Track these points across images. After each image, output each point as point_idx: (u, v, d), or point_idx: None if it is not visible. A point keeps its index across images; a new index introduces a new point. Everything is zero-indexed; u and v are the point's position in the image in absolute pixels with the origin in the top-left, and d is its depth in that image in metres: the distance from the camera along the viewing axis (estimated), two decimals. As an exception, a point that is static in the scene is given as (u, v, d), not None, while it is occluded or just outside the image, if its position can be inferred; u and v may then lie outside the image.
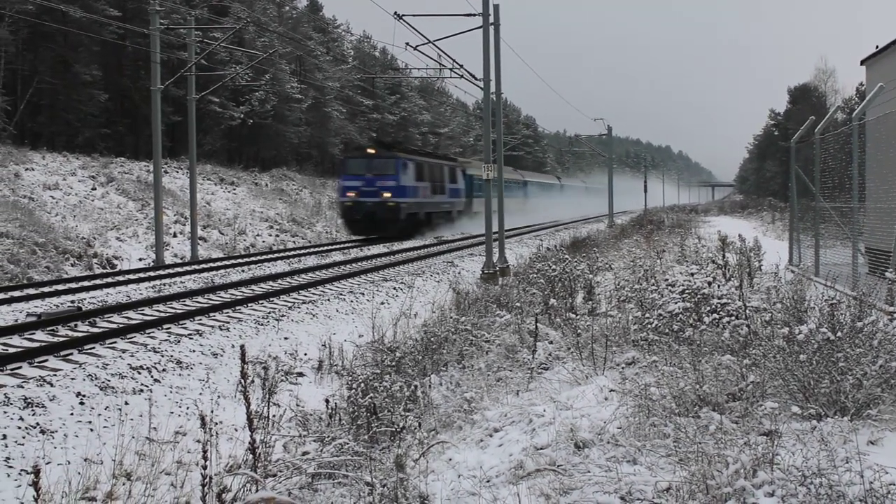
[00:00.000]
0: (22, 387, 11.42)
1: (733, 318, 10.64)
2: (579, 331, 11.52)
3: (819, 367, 7.57)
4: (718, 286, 11.92)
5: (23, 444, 9.52)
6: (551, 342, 12.07)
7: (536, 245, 33.52)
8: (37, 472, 4.83)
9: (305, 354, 14.99)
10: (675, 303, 11.45)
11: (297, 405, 11.42)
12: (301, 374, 13.71)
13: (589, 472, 6.57)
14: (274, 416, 9.69)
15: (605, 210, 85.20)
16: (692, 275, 12.60)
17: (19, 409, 10.51)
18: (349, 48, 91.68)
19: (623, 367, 9.98)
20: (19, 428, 9.95)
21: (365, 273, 27.81)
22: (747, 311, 10.75)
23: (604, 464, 6.70)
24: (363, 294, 22.14)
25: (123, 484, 8.49)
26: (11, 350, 14.03)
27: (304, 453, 8.52)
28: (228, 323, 17.17)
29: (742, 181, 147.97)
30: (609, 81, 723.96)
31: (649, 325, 11.31)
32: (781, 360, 8.10)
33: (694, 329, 10.71)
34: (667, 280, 13.45)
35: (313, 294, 22.30)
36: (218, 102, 58.00)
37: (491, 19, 26.77)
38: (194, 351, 14.42)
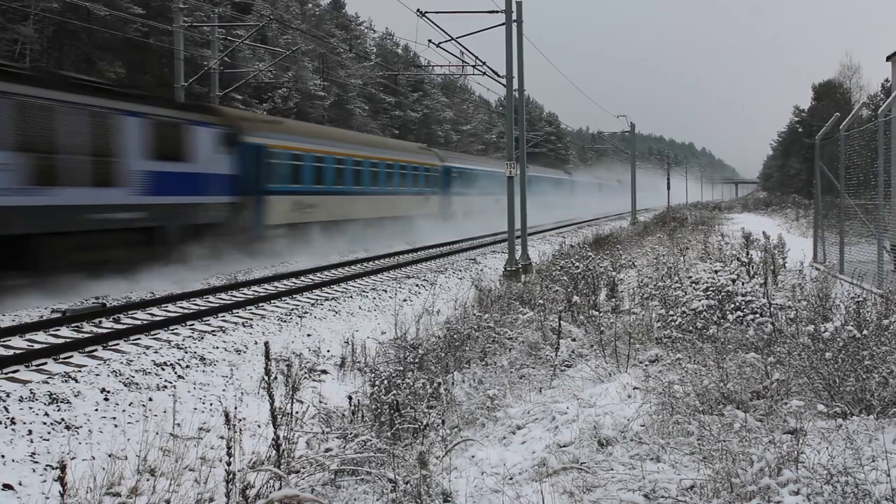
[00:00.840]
0: (47, 382, 11.49)
1: (758, 315, 10.61)
2: (602, 328, 11.50)
3: (844, 364, 7.53)
4: (742, 283, 11.88)
5: (48, 440, 9.58)
6: (574, 339, 12.06)
7: (559, 242, 33.46)
8: (63, 467, 4.87)
9: (328, 351, 15.01)
10: (699, 300, 11.42)
11: (321, 402, 11.43)
12: (324, 371, 13.72)
13: (612, 469, 6.56)
14: (297, 412, 9.70)
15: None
16: (716, 272, 12.55)
17: (45, 404, 10.57)
18: (372, 45, 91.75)
19: (646, 365, 9.96)
20: (45, 423, 10.00)
21: (387, 270, 27.85)
22: (772, 309, 10.70)
23: (627, 461, 6.69)
24: (386, 291, 22.15)
25: (148, 479, 8.52)
26: (37, 346, 14.13)
27: (327, 450, 8.53)
28: (251, 319, 17.22)
29: (766, 178, 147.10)
30: (633, 78, 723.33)
31: (673, 323, 11.29)
32: (806, 357, 8.06)
33: (718, 326, 10.67)
34: (690, 277, 13.41)
35: (336, 291, 22.34)
36: (241, 100, 58.16)
37: (514, 16, 26.71)
38: (218, 347, 14.46)
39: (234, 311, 18.41)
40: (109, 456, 9.21)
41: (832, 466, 5.65)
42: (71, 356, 13.54)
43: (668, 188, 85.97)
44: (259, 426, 10.43)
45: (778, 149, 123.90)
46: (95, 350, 14.03)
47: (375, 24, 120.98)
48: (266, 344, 6.73)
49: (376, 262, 30.89)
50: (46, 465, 8.91)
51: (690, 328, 10.95)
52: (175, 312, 18.05)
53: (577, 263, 16.24)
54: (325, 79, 71.06)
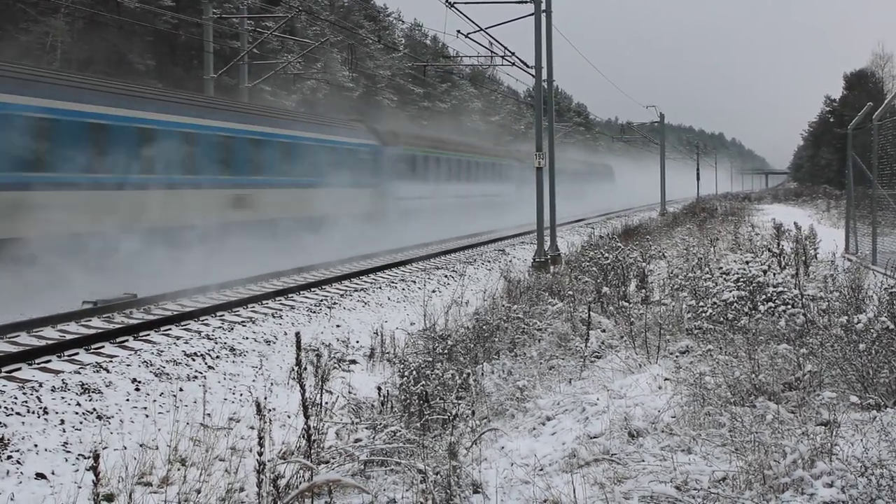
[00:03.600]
0: (79, 373, 11.57)
1: (789, 306, 10.53)
2: (632, 319, 11.45)
3: (878, 356, 7.47)
4: (774, 274, 11.79)
5: (80, 430, 9.64)
6: (604, 330, 12.02)
7: (588, 233, 33.35)
8: (96, 457, 4.88)
9: (357, 342, 15.03)
10: (730, 291, 11.34)
11: (350, 392, 11.46)
12: (353, 362, 13.74)
13: (643, 461, 6.53)
14: (326, 403, 9.73)
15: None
16: (747, 263, 12.46)
17: (76, 394, 10.64)
18: (400, 36, 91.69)
19: (677, 356, 9.91)
20: (76, 413, 10.07)
21: (416, 261, 27.86)
22: (804, 300, 10.62)
23: (658, 453, 6.65)
24: (414, 282, 22.16)
25: (178, 469, 8.57)
26: (69, 336, 14.22)
27: (357, 440, 8.55)
28: (281, 310, 17.27)
29: (796, 168, 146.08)
30: (663, 68, 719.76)
31: (703, 314, 11.22)
32: (839, 349, 8.00)
33: (749, 317, 10.60)
34: (721, 268, 13.33)
35: (365, 282, 22.38)
36: (270, 91, 58.30)
37: (543, 6, 26.61)
38: (247, 338, 14.51)
39: (264, 301, 18.49)
40: (141, 446, 9.26)
41: (866, 458, 5.60)
42: (102, 346, 13.64)
43: (698, 178, 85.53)
44: (289, 416, 10.45)
45: (809, 139, 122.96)
46: (126, 340, 14.13)
47: (404, 14, 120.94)
48: (297, 334, 6.73)
49: (405, 252, 30.85)
50: (79, 455, 8.97)
51: (721, 319, 10.88)
52: (205, 303, 18.13)
53: (607, 254, 16.18)
54: (354, 70, 71.13)
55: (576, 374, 10.03)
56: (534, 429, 8.14)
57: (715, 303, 11.30)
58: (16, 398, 10.15)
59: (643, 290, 14.92)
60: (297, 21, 56.75)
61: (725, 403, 7.48)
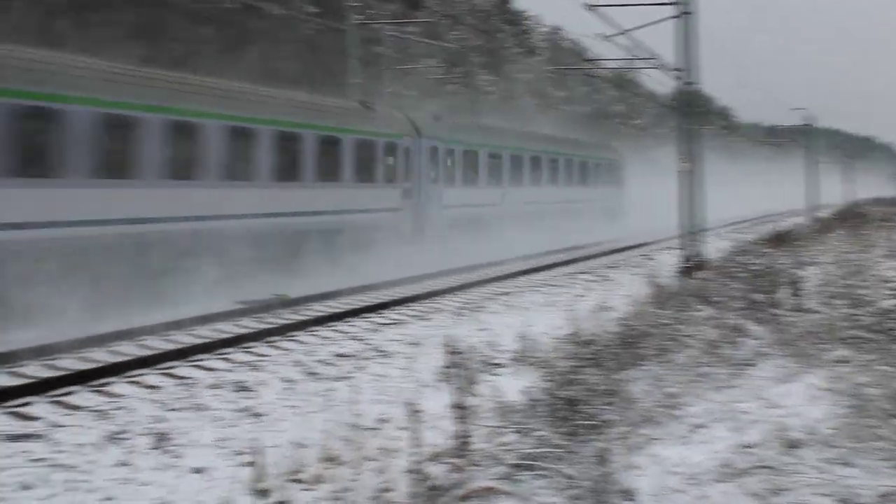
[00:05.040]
0: (232, 371, 11.91)
1: (954, 315, 10.14)
2: (785, 327, 11.17)
3: None
4: (936, 282, 11.38)
5: (235, 426, 9.92)
6: (755, 338, 11.76)
7: (734, 238, 32.71)
8: (253, 453, 5.03)
9: (503, 345, 15.04)
10: (889, 299, 10.99)
11: (496, 396, 11.47)
12: (499, 365, 13.77)
13: (801, 472, 6.37)
14: (474, 406, 9.76)
15: None
16: (906, 270, 12.05)
17: (231, 392, 10.96)
18: (540, 40, 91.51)
19: (833, 366, 9.63)
20: (231, 410, 10.37)
21: (559, 266, 27.76)
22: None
23: (817, 465, 6.48)
24: (559, 286, 22.10)
25: (329, 468, 8.71)
26: (224, 336, 14.63)
27: (504, 444, 8.56)
28: (428, 313, 17.43)
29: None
30: (813, 68, 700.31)
31: (860, 323, 10.88)
32: None
33: (911, 327, 10.25)
34: (875, 275, 12.92)
35: (508, 286, 22.40)
36: (412, 96, 58.86)
37: (687, 8, 26.17)
38: (395, 340, 14.69)
39: (410, 304, 18.68)
40: (293, 443, 9.46)
41: None
42: (254, 346, 13.99)
43: (849, 183, 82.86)
44: (436, 418, 10.53)
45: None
46: (277, 341, 14.46)
47: (544, 18, 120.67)
48: (447, 337, 6.80)
49: (547, 257, 30.76)
50: (234, 451, 9.23)
51: (880, 328, 10.53)
52: (354, 304, 18.42)
53: (756, 260, 15.82)
54: (495, 74, 71.32)
55: (727, 381, 9.84)
56: (684, 437, 8.02)
57: (872, 311, 10.96)
58: (172, 394, 10.52)
59: (795, 297, 14.53)
60: (438, 25, 57.27)
61: (887, 416, 7.23)
